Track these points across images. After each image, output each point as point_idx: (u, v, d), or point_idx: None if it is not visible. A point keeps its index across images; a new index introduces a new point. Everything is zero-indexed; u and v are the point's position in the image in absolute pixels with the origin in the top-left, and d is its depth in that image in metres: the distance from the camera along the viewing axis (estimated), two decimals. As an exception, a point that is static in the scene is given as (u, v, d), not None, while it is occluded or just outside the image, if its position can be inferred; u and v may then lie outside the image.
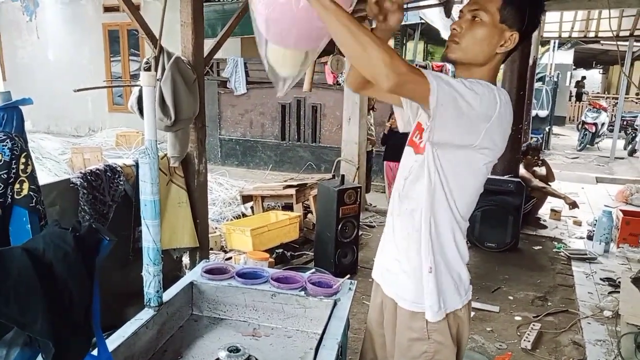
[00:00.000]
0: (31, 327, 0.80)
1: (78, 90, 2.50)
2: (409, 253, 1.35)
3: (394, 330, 1.43)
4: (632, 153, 9.94)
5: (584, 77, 18.15)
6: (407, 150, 1.40)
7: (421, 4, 5.70)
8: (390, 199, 1.47)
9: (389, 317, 1.45)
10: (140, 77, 1.47)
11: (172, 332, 1.64)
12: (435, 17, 8.17)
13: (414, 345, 1.35)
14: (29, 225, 1.18)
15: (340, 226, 3.58)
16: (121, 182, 2.53)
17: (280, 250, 3.96)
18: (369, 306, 1.61)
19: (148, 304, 1.55)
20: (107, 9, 9.38)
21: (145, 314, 1.52)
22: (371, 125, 5.76)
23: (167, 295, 1.64)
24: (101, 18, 9.60)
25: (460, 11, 1.27)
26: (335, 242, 3.58)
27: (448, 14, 4.69)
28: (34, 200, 1.19)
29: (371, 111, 5.76)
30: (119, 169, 2.54)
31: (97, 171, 2.45)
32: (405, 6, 4.93)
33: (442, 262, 1.32)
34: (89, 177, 2.38)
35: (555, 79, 10.95)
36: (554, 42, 11.70)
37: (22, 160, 1.16)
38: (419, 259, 1.32)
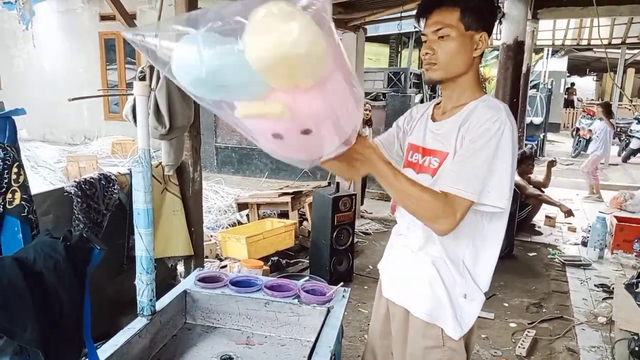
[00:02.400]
0: (21, 336, 0.80)
1: (73, 100, 2.52)
2: (423, 264, 1.35)
3: (404, 340, 1.42)
4: (626, 159, 10.01)
5: (572, 84, 18.24)
6: (405, 171, 1.39)
7: (415, 12, 5.75)
8: (398, 207, 1.46)
9: (398, 327, 1.44)
10: (134, 86, 1.48)
11: (166, 341, 1.64)
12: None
13: (429, 354, 1.35)
14: (21, 235, 1.18)
15: (335, 233, 3.58)
16: (115, 191, 2.53)
17: (276, 258, 3.96)
18: (371, 317, 1.61)
19: (141, 312, 1.55)
20: (103, 18, 9.42)
21: (138, 323, 1.51)
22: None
23: (161, 304, 1.63)
24: (97, 26, 9.63)
25: (423, 34, 1.30)
26: (330, 250, 3.58)
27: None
28: (25, 210, 1.19)
29: (367, 127, 5.82)
30: (113, 177, 2.55)
31: (92, 180, 2.45)
32: (399, 15, 5.00)
33: (474, 285, 1.34)
34: (83, 186, 2.39)
35: (549, 86, 11.05)
36: (548, 50, 11.81)
37: (15, 170, 1.16)
38: (433, 270, 1.33)
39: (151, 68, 2.54)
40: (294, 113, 0.92)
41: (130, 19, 2.61)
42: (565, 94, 16.45)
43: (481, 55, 1.31)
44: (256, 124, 0.99)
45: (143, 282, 1.54)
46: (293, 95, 0.90)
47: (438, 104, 1.42)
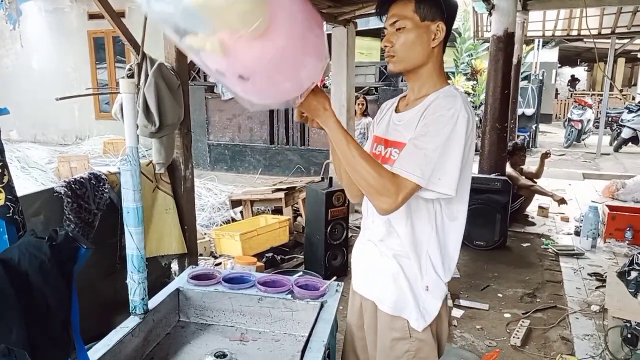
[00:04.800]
0: (6, 337, 0.79)
1: (60, 99, 2.49)
2: (386, 257, 1.37)
3: (375, 332, 1.44)
4: (617, 149, 10.08)
5: (573, 76, 18.51)
6: None
7: (375, 8, 5.81)
8: (364, 202, 1.48)
9: (369, 321, 1.46)
10: (120, 84, 1.47)
11: (159, 339, 1.63)
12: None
13: (396, 345, 1.37)
14: (6, 236, 1.17)
15: (329, 228, 3.58)
16: (106, 190, 2.51)
17: (271, 254, 3.96)
18: (347, 311, 1.62)
19: (134, 311, 1.54)
20: (92, 16, 9.33)
21: (130, 322, 1.51)
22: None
23: (153, 302, 1.63)
24: (86, 25, 9.54)
25: (384, 28, 1.33)
26: (324, 245, 3.58)
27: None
28: (11, 211, 1.18)
29: (363, 117, 5.84)
30: (103, 176, 2.52)
31: (82, 179, 2.43)
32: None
33: (436, 276, 1.34)
34: (73, 186, 2.36)
35: (541, 77, 11.08)
36: (538, 41, 11.83)
37: (-2, 170, 1.15)
38: (395, 264, 1.34)
39: (139, 66, 2.51)
40: (232, 56, 0.98)
41: (117, 17, 2.57)
42: (569, 85, 16.71)
43: (444, 45, 1.32)
44: (208, 62, 1.03)
45: (135, 280, 1.53)
46: (234, 40, 0.97)
47: (404, 96, 1.44)
